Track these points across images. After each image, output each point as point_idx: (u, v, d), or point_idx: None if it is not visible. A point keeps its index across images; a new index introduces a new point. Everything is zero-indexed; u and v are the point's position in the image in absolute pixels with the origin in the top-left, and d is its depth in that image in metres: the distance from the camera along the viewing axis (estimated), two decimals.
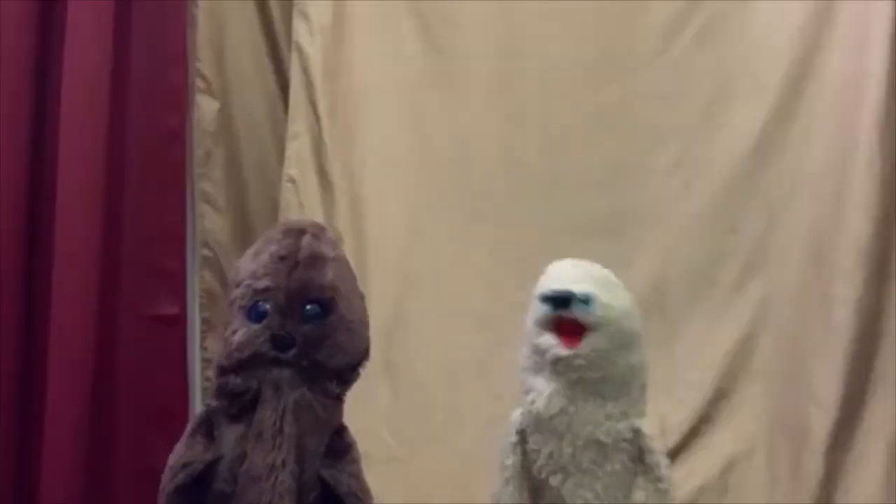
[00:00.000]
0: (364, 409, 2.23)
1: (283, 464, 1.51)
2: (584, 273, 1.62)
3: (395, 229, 2.42)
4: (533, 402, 1.60)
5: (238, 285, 1.60)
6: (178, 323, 2.27)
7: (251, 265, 1.60)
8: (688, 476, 2.22)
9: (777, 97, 2.31)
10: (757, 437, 2.24)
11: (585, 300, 1.57)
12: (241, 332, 1.56)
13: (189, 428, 1.62)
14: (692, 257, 2.36)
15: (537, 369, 1.61)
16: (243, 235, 2.47)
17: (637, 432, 1.60)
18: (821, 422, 2.12)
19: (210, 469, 1.57)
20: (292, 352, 1.55)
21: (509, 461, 1.63)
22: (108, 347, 2.19)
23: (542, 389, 1.59)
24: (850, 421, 2.12)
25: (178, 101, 2.32)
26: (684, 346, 2.33)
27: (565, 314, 1.57)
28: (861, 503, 2.09)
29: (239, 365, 1.56)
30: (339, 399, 1.61)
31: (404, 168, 2.46)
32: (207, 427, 1.60)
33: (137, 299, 2.24)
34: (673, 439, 2.25)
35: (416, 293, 2.40)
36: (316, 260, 1.59)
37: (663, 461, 1.61)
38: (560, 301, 1.57)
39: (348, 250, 2.37)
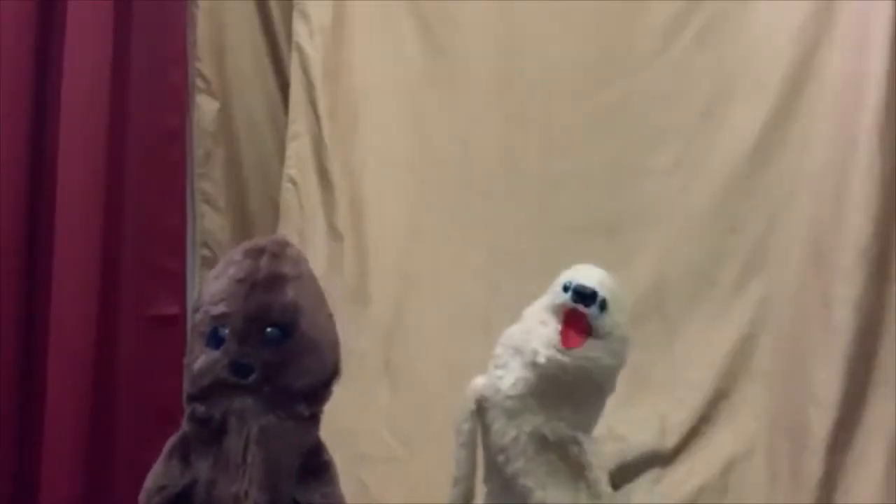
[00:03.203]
0: (364, 409, 2.25)
1: (246, 495, 1.48)
2: (610, 283, 1.64)
3: (395, 229, 2.42)
4: (500, 377, 1.62)
5: (198, 310, 1.57)
6: (178, 323, 2.27)
7: (210, 289, 1.56)
8: (688, 476, 2.23)
9: (777, 97, 2.31)
10: (757, 437, 2.24)
11: (603, 305, 1.60)
12: (201, 358, 1.53)
13: (165, 450, 1.60)
14: (692, 257, 2.36)
15: (518, 352, 1.63)
16: (243, 235, 2.47)
17: (580, 447, 1.63)
18: (821, 422, 2.12)
19: (186, 492, 1.55)
20: (252, 378, 1.51)
21: (465, 426, 1.66)
22: (108, 347, 2.19)
23: (513, 370, 1.61)
24: (850, 421, 2.12)
25: (178, 101, 2.32)
26: (684, 346, 2.33)
27: (582, 309, 1.60)
28: (861, 503, 2.09)
29: (201, 392, 1.53)
30: (312, 418, 1.57)
31: (404, 168, 2.46)
32: (183, 450, 1.58)
33: (137, 299, 2.24)
34: (673, 439, 2.25)
35: (416, 293, 2.40)
36: (274, 281, 1.53)
37: (603, 477, 1.64)
38: (585, 296, 1.59)
39: (348, 250, 2.40)
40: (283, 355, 1.52)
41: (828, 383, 2.13)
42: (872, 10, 2.18)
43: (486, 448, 1.66)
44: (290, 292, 1.54)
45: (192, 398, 1.55)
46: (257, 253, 1.56)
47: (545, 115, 2.43)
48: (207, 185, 2.41)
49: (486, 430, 1.65)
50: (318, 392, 1.56)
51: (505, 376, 1.61)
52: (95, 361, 2.15)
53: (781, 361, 2.26)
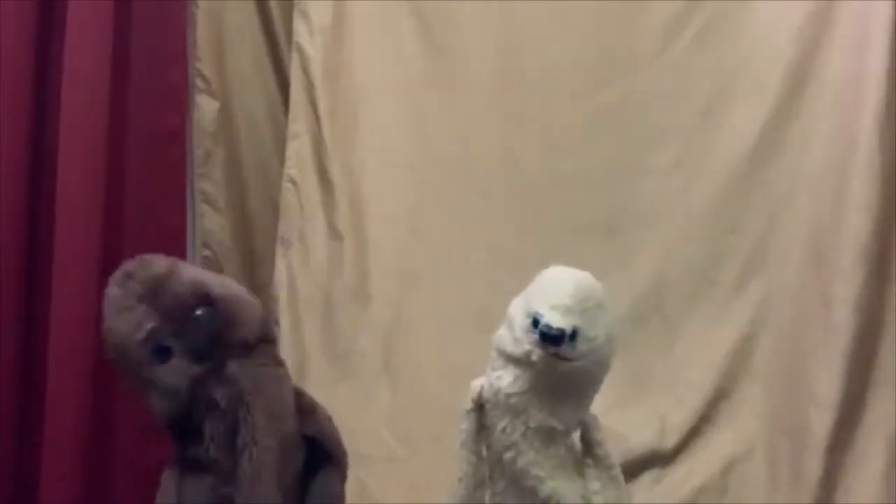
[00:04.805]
0: (364, 409, 2.24)
1: None
2: (579, 297, 1.59)
3: (395, 229, 2.42)
4: (499, 377, 1.62)
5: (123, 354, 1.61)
6: None
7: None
8: (688, 476, 2.22)
9: (777, 97, 2.31)
10: (757, 437, 2.24)
11: (573, 337, 1.57)
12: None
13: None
14: (692, 257, 2.36)
15: (511, 356, 1.63)
16: (243, 235, 2.47)
17: (586, 425, 1.66)
18: (821, 422, 2.12)
19: None
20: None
21: (464, 426, 1.67)
22: None
23: (511, 371, 1.61)
24: (850, 421, 2.12)
25: (178, 101, 2.32)
26: (684, 346, 2.33)
27: (552, 350, 1.58)
28: (861, 503, 2.09)
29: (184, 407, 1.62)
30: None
31: (404, 168, 2.46)
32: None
33: None
34: (673, 439, 2.25)
35: (416, 293, 2.40)
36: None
37: (611, 451, 1.68)
38: (551, 339, 1.56)
39: (348, 250, 2.40)
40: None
41: (828, 383, 2.13)
42: (872, 10, 2.18)
43: (491, 448, 1.66)
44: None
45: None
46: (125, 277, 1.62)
47: (545, 115, 2.43)
48: (207, 185, 2.41)
49: (490, 430, 1.65)
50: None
51: (503, 376, 1.61)
52: (95, 362, 2.14)
53: (781, 361, 2.26)
